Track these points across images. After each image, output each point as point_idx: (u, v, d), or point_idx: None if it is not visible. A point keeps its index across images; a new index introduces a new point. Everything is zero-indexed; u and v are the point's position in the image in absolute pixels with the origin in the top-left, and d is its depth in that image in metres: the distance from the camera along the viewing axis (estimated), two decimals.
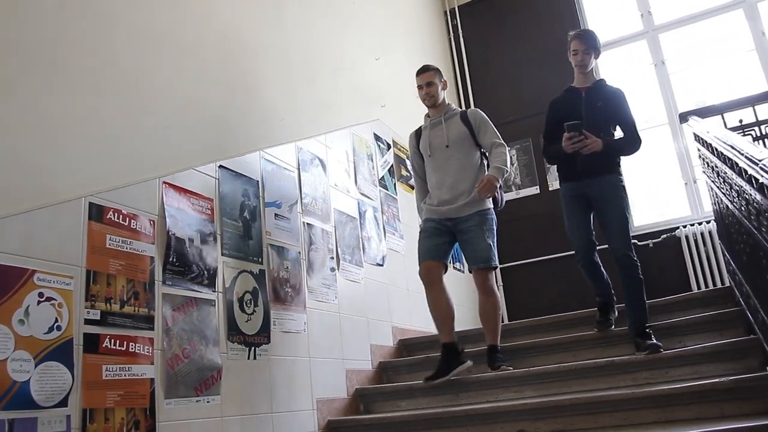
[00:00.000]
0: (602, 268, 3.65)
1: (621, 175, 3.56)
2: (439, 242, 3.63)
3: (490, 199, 3.66)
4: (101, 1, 2.78)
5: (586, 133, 3.41)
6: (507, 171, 3.59)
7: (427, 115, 3.83)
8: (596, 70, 7.30)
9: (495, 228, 3.68)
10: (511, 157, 3.72)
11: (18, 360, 2.07)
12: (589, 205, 3.57)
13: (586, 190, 3.53)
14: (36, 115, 2.36)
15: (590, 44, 3.61)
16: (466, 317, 5.52)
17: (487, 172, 3.60)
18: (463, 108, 3.74)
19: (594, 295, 3.77)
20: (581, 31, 3.74)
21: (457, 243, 3.71)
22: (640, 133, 3.57)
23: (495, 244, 3.65)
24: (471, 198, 3.58)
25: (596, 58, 3.67)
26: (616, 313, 3.72)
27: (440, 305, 3.59)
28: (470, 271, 3.77)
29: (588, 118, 3.51)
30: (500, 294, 6.23)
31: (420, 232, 3.73)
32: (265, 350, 3.18)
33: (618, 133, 3.63)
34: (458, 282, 5.65)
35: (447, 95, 3.94)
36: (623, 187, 3.51)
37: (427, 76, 3.74)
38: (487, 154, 3.72)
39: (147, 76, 2.91)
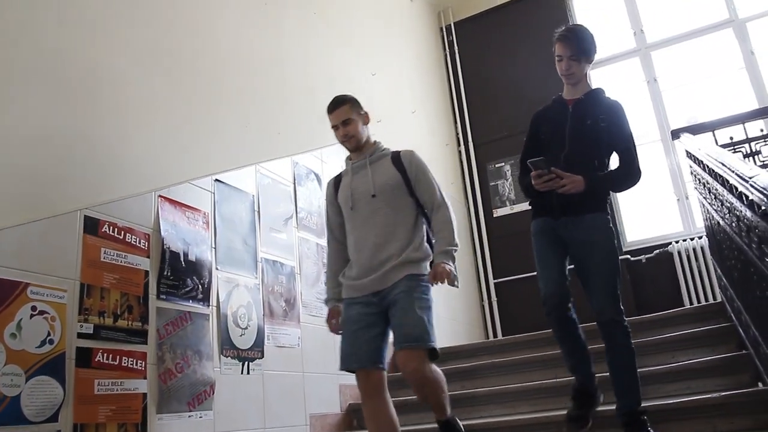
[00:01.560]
0: (580, 331, 2.77)
1: (608, 213, 2.73)
2: (371, 336, 2.63)
3: (427, 262, 2.75)
4: (99, 17, 2.80)
5: (558, 172, 2.59)
6: (457, 247, 2.72)
7: (349, 158, 2.92)
8: (589, 78, 7.44)
9: (430, 299, 2.69)
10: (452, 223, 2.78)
11: (9, 374, 2.07)
12: (564, 246, 2.76)
13: (561, 231, 2.73)
14: (32, 129, 2.37)
15: (578, 48, 2.74)
16: (460, 332, 5.53)
17: (433, 256, 2.72)
18: (398, 149, 2.82)
19: (567, 367, 2.90)
20: (566, 32, 2.79)
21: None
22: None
23: (431, 320, 2.65)
24: (401, 260, 2.64)
25: (588, 63, 2.81)
26: (601, 399, 2.87)
27: (381, 423, 2.65)
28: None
29: (572, 141, 2.73)
30: (491, 311, 6.24)
31: (342, 322, 2.74)
32: (259, 365, 3.18)
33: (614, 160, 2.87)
34: (452, 295, 5.65)
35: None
36: (611, 228, 2.70)
37: (341, 112, 2.82)
38: (428, 213, 2.83)
39: (143, 90, 2.93)
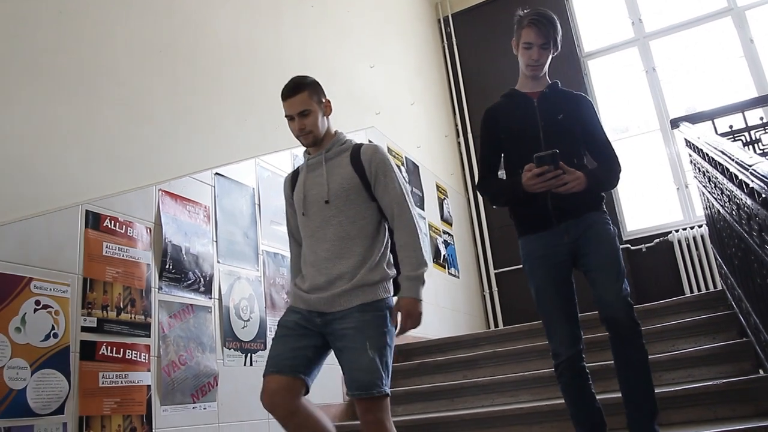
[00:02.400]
0: (592, 385, 2.40)
1: (605, 211, 2.45)
2: (301, 345, 2.24)
3: (389, 284, 2.33)
4: (98, 12, 2.80)
5: (566, 168, 2.25)
6: (427, 267, 2.34)
7: (307, 152, 2.49)
8: (579, 48, 6.89)
9: (388, 332, 2.25)
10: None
11: (14, 368, 2.07)
12: (569, 268, 2.39)
13: (561, 239, 2.36)
14: (33, 124, 2.37)
15: (551, 36, 2.45)
16: (460, 322, 5.56)
17: (400, 284, 2.32)
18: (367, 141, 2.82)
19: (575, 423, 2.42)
20: (538, 16, 2.46)
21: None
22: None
23: (387, 360, 2.22)
24: (354, 283, 2.21)
25: (555, 52, 2.52)
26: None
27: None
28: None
29: (548, 138, 2.39)
30: (492, 301, 6.26)
31: (277, 326, 2.36)
32: (262, 356, 3.19)
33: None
34: (452, 286, 5.67)
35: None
36: (610, 223, 2.43)
37: (298, 101, 2.36)
38: (389, 223, 2.39)
39: (143, 84, 2.93)
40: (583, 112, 2.48)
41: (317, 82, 2.46)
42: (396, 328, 2.29)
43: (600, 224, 2.38)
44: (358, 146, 2.43)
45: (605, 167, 2.46)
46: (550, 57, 2.50)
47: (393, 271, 2.35)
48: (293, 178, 2.54)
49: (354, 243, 2.29)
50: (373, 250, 2.31)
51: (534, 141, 2.39)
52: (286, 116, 2.41)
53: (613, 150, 2.49)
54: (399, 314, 2.28)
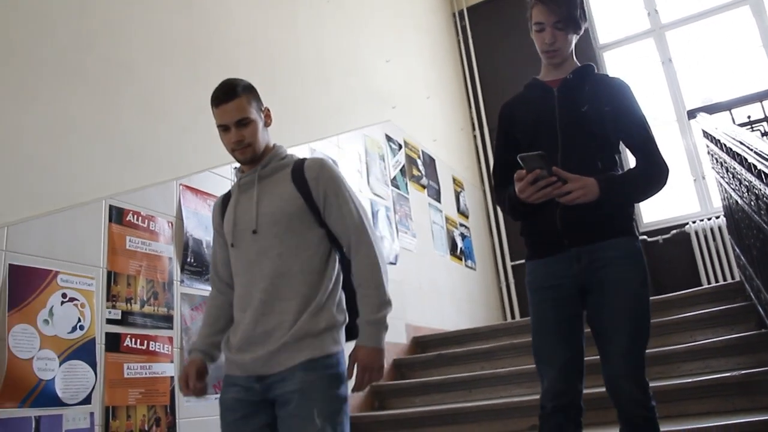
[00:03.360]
0: None
1: (637, 238, 1.95)
2: (252, 429, 1.84)
3: (339, 332, 1.89)
4: (118, 9, 2.84)
5: (561, 173, 1.81)
6: (391, 307, 1.88)
7: (240, 170, 2.04)
8: (594, 40, 6.82)
9: (342, 394, 1.82)
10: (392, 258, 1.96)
11: (43, 359, 2.13)
12: (579, 305, 1.93)
13: (570, 268, 1.91)
14: (57, 121, 2.42)
15: (566, 13, 1.97)
16: (477, 314, 5.58)
17: (359, 335, 1.87)
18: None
19: None
20: None
21: None
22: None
23: (344, 427, 1.80)
24: (294, 334, 1.80)
25: (576, 35, 2.04)
26: None
27: None
28: None
29: (567, 136, 1.97)
30: (509, 293, 6.27)
31: (220, 404, 1.94)
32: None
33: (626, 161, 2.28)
34: (469, 278, 5.70)
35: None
36: (643, 261, 1.91)
37: (234, 108, 1.93)
38: (345, 252, 1.96)
39: (163, 80, 2.97)
40: (617, 101, 1.99)
41: (254, 87, 2.07)
42: (351, 386, 1.84)
43: (625, 263, 1.87)
44: (301, 161, 2.00)
45: (639, 170, 1.95)
46: (572, 39, 2.03)
47: (344, 316, 1.91)
48: (224, 201, 2.08)
49: (295, 281, 1.85)
50: (318, 289, 1.86)
51: (551, 139, 1.97)
52: (218, 126, 1.96)
53: (655, 147, 1.96)
54: (355, 366, 1.82)
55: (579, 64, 2.08)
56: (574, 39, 2.04)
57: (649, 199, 2.01)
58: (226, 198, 2.09)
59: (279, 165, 1.99)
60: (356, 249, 1.90)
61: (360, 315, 1.88)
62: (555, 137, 1.97)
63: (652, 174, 1.94)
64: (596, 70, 2.09)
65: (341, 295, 1.94)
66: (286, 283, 1.85)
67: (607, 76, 2.11)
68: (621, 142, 2.02)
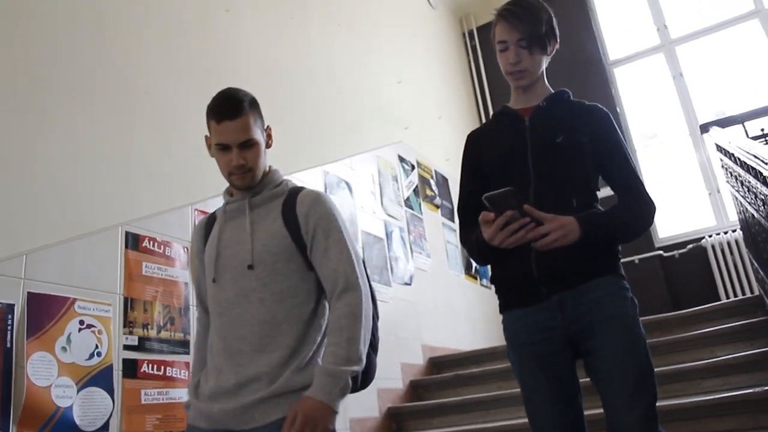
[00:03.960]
0: None
1: (623, 276, 1.74)
2: None
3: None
4: (134, 34, 2.89)
5: (535, 212, 1.60)
6: (358, 368, 1.62)
7: (228, 192, 1.84)
8: (604, 56, 6.73)
9: None
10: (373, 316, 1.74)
11: (61, 386, 2.14)
12: (571, 358, 1.71)
13: (553, 319, 1.68)
14: (73, 148, 2.46)
15: (530, 30, 1.77)
16: (494, 333, 5.55)
17: (312, 384, 1.57)
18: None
19: None
20: (510, 5, 1.82)
21: None
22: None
23: None
24: (274, 390, 1.58)
25: (545, 55, 1.83)
26: None
27: None
28: None
29: (540, 170, 1.75)
30: None
31: None
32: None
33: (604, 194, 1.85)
34: (485, 298, 5.67)
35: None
36: (631, 299, 1.70)
37: (241, 126, 1.73)
38: (329, 300, 1.72)
39: (178, 104, 3.01)
40: (596, 130, 1.78)
41: (257, 101, 1.86)
42: None
43: (612, 301, 1.66)
44: (296, 191, 1.79)
45: (623, 206, 1.75)
46: (542, 60, 1.83)
47: None
48: (207, 226, 1.86)
49: (281, 331, 1.63)
50: (305, 343, 1.65)
51: (522, 174, 1.75)
52: (216, 144, 1.75)
53: (639, 182, 1.77)
54: (291, 418, 1.51)
55: (552, 90, 1.88)
56: (544, 61, 1.85)
57: (636, 237, 1.76)
58: (210, 222, 1.87)
59: (272, 194, 1.78)
60: (339, 296, 1.65)
61: (320, 363, 1.62)
62: (527, 172, 1.75)
63: (638, 211, 1.74)
64: (570, 96, 1.89)
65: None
66: (268, 332, 1.63)
67: (585, 103, 1.87)
68: (601, 177, 1.82)
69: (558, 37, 1.85)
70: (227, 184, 1.82)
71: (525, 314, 1.72)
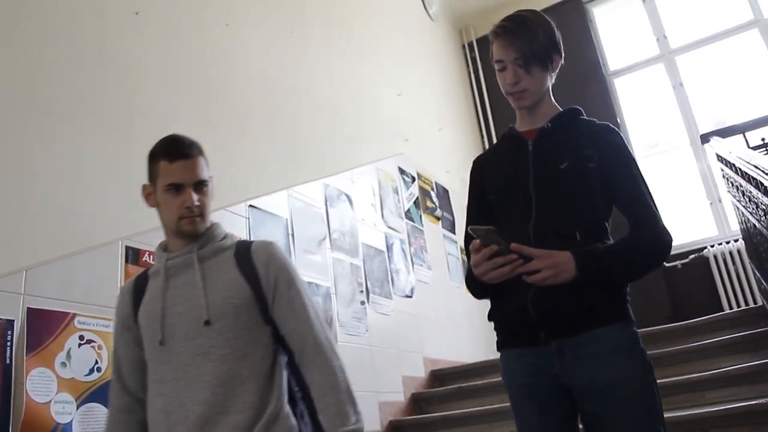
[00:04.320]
0: None
1: (632, 322, 1.57)
2: None
3: None
4: (133, 53, 2.89)
5: (523, 249, 1.48)
6: (362, 426, 1.57)
7: (163, 248, 1.73)
8: (604, 66, 6.63)
9: None
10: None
11: (61, 402, 2.12)
12: (569, 403, 1.56)
13: (553, 366, 1.54)
14: (73, 163, 2.46)
15: (527, 47, 1.64)
16: (495, 346, 5.52)
17: None
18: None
19: None
20: (506, 22, 1.69)
21: None
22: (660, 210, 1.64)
23: None
24: None
25: (548, 71, 1.70)
26: None
27: None
28: None
29: (542, 200, 1.61)
30: None
31: None
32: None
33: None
34: (486, 308, 5.64)
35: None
36: (640, 353, 1.53)
37: (196, 166, 1.68)
38: (296, 358, 1.65)
39: (177, 119, 3.01)
40: (606, 154, 1.62)
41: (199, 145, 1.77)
42: None
43: (615, 361, 1.49)
44: (246, 243, 1.71)
45: (630, 240, 1.58)
46: (545, 78, 1.69)
47: (294, 421, 1.60)
48: (136, 289, 1.71)
49: (244, 389, 1.53)
50: (269, 399, 1.56)
51: (524, 204, 1.62)
52: (168, 185, 1.64)
53: (651, 212, 1.59)
54: None
55: (560, 109, 1.73)
56: (548, 78, 1.71)
57: (649, 272, 1.59)
58: (139, 284, 1.71)
59: (219, 246, 1.68)
60: (315, 351, 1.60)
61: (327, 428, 1.56)
62: (529, 201, 1.61)
63: (646, 247, 1.56)
64: (582, 115, 1.74)
65: (288, 406, 1.61)
66: (231, 392, 1.52)
67: (595, 122, 1.71)
68: (614, 207, 1.66)
69: (562, 51, 1.72)
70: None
71: (522, 354, 1.60)
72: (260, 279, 1.63)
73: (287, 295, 1.64)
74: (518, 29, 1.65)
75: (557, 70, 1.73)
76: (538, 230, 1.58)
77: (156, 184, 1.68)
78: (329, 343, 1.64)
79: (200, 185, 1.66)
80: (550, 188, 1.62)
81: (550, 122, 1.69)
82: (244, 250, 1.67)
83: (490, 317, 1.71)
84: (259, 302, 1.62)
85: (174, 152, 1.66)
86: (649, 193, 1.62)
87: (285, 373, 1.66)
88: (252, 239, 1.51)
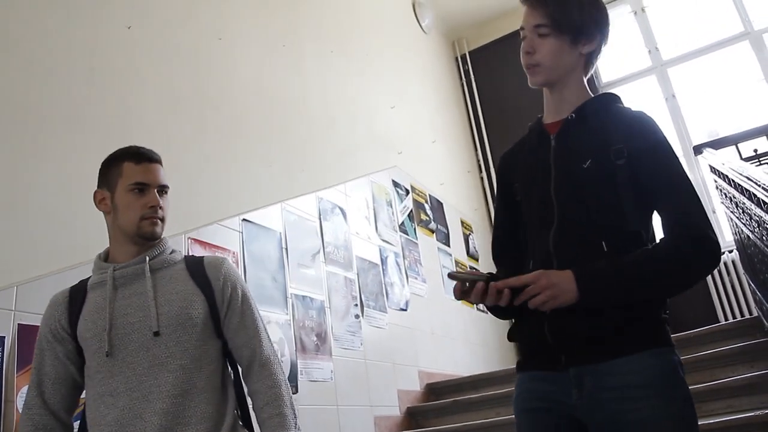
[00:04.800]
0: None
1: (670, 349, 1.36)
2: None
3: None
4: (125, 64, 2.89)
5: (509, 282, 1.32)
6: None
7: (103, 257, 1.72)
8: (597, 78, 7.06)
9: None
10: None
11: None
12: None
13: (571, 396, 1.32)
14: (65, 177, 2.45)
15: (553, 12, 1.41)
16: (492, 357, 5.51)
17: None
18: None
19: None
20: None
21: None
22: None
23: None
24: None
25: (580, 44, 1.46)
26: None
27: None
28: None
29: (563, 204, 1.41)
30: None
31: None
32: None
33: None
34: (481, 322, 5.63)
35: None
36: (679, 384, 1.31)
37: (160, 172, 1.74)
38: (243, 371, 1.70)
39: (172, 132, 3.01)
40: (634, 146, 1.36)
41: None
42: None
43: (650, 394, 1.25)
44: (197, 258, 1.73)
45: (657, 251, 1.30)
46: (572, 54, 1.44)
47: None
48: (72, 300, 1.66)
49: (202, 399, 1.54)
50: (225, 410, 1.59)
51: (547, 209, 1.42)
52: (133, 184, 1.67)
53: (690, 211, 1.32)
54: None
55: (591, 95, 1.50)
56: (579, 58, 1.46)
57: (673, 295, 1.36)
58: (75, 295, 1.67)
59: (170, 258, 1.68)
60: (262, 363, 1.65)
61: None
62: (551, 207, 1.41)
63: (677, 257, 1.27)
64: (618, 102, 1.51)
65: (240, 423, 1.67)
66: (190, 402, 1.52)
67: (628, 111, 1.46)
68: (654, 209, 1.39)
69: (603, 34, 1.48)
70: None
71: (537, 378, 1.40)
72: (214, 292, 1.65)
73: (240, 309, 1.68)
74: None
75: (596, 55, 1.51)
76: (560, 239, 1.39)
77: (114, 187, 1.70)
78: (276, 359, 1.69)
79: (163, 190, 1.70)
80: (572, 191, 1.40)
81: (575, 112, 1.45)
82: (196, 264, 1.70)
83: (512, 337, 1.51)
84: (212, 315, 1.64)
85: (140, 155, 1.70)
86: (689, 190, 1.35)
87: (232, 386, 1.68)
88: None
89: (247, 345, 1.66)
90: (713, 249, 1.28)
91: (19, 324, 2.09)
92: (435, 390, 4.43)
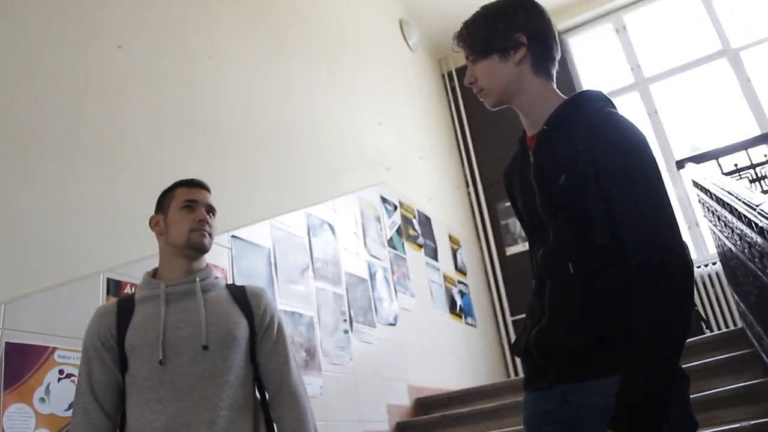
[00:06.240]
0: None
1: (683, 380, 1.36)
2: None
3: None
4: (116, 83, 2.91)
5: None
6: None
7: (152, 274, 1.84)
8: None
9: None
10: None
11: None
12: None
13: (562, 412, 1.29)
14: (54, 196, 2.45)
15: (470, 41, 1.45)
16: (481, 371, 5.52)
17: None
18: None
19: None
20: (462, 25, 1.49)
21: None
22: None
23: None
24: None
25: (514, 57, 1.40)
26: None
27: None
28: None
29: (551, 225, 1.36)
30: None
31: None
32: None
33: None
34: (470, 336, 5.65)
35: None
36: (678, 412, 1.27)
37: (208, 196, 1.91)
38: (270, 396, 1.78)
39: (161, 154, 3.01)
40: (599, 156, 1.27)
41: None
42: None
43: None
44: (237, 285, 1.87)
45: (638, 311, 1.20)
46: (508, 68, 1.41)
47: None
48: (121, 311, 1.74)
49: (243, 416, 1.63)
50: (259, 428, 1.70)
51: (541, 232, 1.39)
52: (185, 201, 1.83)
53: (651, 230, 1.20)
54: None
55: (564, 97, 1.43)
56: (514, 66, 1.41)
57: (688, 311, 1.25)
58: (124, 307, 1.75)
59: (216, 282, 1.81)
60: (290, 390, 1.74)
61: None
62: (544, 227, 1.37)
63: (658, 300, 1.18)
64: (589, 102, 1.40)
65: None
66: (234, 417, 1.60)
67: (593, 113, 1.35)
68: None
69: (531, 33, 1.41)
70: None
71: (537, 399, 1.37)
72: (255, 318, 1.77)
73: (275, 336, 1.79)
74: (466, 28, 1.47)
75: (539, 53, 1.42)
76: (546, 260, 1.35)
77: (167, 209, 1.85)
78: (303, 387, 1.78)
79: (211, 210, 1.86)
80: (552, 211, 1.34)
81: (546, 123, 1.39)
82: (239, 291, 1.82)
83: (513, 352, 1.49)
84: (251, 339, 1.75)
85: (191, 182, 1.88)
86: (665, 213, 1.21)
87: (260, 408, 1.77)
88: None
89: (277, 371, 1.76)
90: (679, 274, 1.19)
91: (6, 342, 2.08)
92: (424, 404, 4.43)
